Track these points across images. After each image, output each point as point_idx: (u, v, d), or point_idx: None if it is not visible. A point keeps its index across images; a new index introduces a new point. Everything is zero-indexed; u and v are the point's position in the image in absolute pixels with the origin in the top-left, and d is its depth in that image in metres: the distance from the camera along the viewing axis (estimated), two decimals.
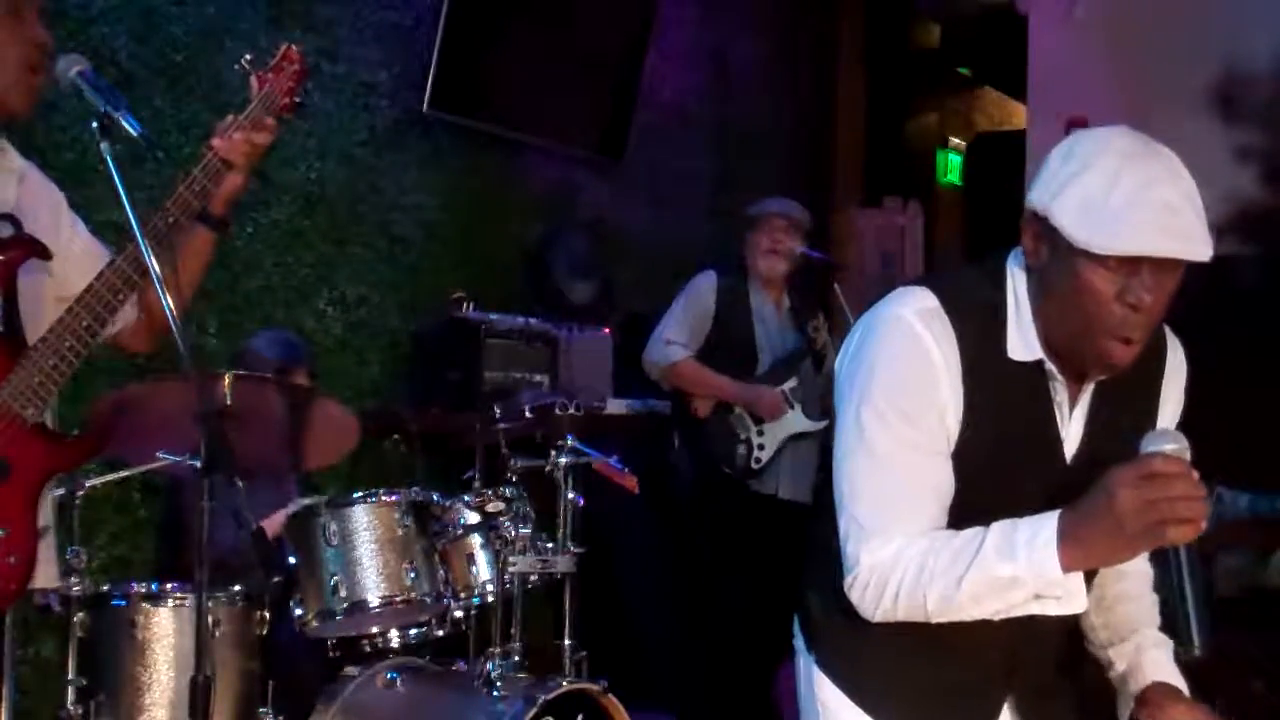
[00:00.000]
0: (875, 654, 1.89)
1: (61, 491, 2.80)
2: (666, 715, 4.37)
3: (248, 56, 2.50)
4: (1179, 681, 1.90)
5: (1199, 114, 5.62)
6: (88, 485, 2.91)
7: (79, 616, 2.85)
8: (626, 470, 3.66)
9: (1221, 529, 4.69)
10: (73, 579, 2.81)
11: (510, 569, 3.29)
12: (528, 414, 3.64)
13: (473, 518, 3.38)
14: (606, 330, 5.17)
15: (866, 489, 1.78)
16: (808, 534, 2.00)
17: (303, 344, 3.85)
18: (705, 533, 4.62)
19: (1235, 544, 4.74)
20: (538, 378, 4.77)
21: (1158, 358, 1.91)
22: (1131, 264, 1.67)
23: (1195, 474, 1.57)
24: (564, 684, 3.12)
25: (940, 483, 1.78)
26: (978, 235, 7.67)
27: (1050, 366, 1.80)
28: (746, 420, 4.58)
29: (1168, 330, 1.93)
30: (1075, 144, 1.73)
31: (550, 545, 3.42)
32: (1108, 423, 1.85)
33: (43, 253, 2.30)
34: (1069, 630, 1.97)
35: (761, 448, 4.56)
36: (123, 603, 2.90)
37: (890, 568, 1.74)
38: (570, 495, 3.45)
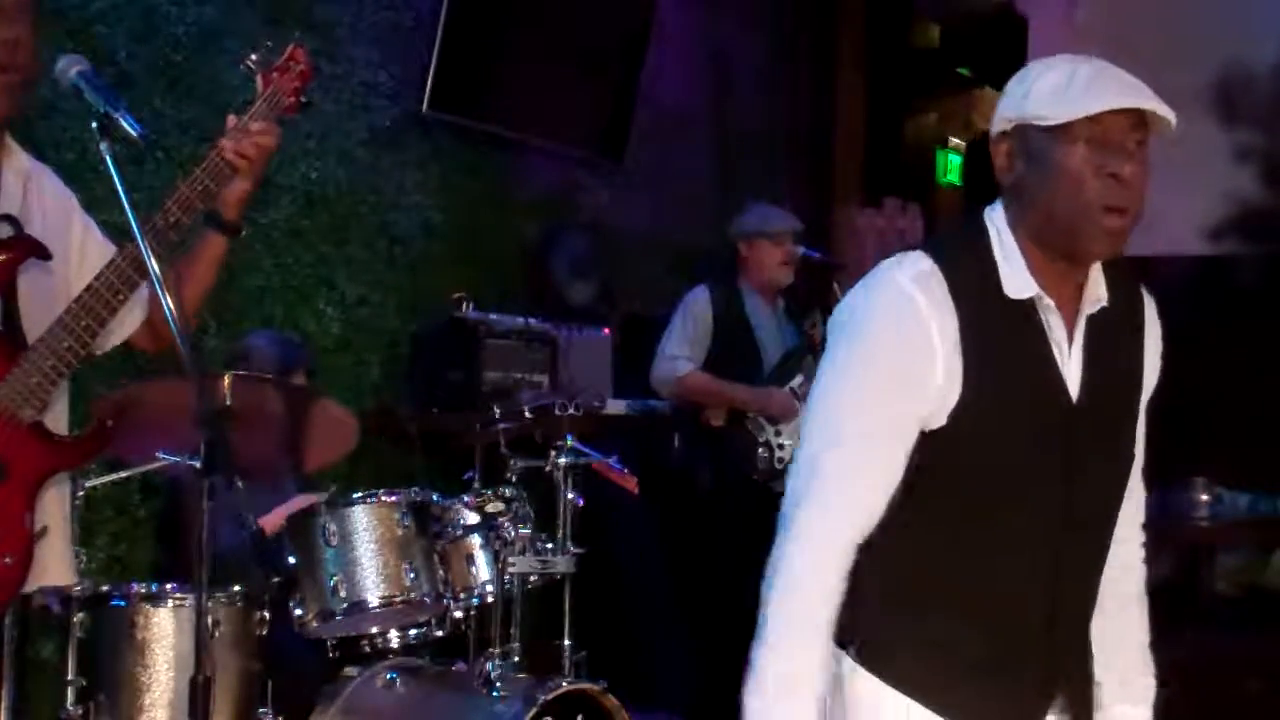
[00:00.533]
0: (916, 631, 1.88)
1: None
2: (667, 715, 4.37)
3: (254, 56, 2.49)
4: None
5: (1199, 114, 5.62)
6: (88, 485, 2.91)
7: (79, 616, 2.85)
8: (626, 470, 3.66)
9: (1221, 529, 4.69)
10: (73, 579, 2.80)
11: (510, 569, 3.29)
12: (527, 414, 3.64)
13: (472, 518, 3.38)
14: (606, 330, 5.17)
15: (823, 442, 1.82)
16: None
17: (301, 344, 3.84)
18: (726, 538, 4.58)
19: (1235, 544, 4.75)
20: (537, 378, 4.77)
21: (1139, 303, 1.95)
22: (1101, 132, 1.76)
23: None
24: (564, 684, 3.12)
25: (891, 464, 1.81)
26: None
27: (1046, 300, 1.83)
28: (762, 423, 4.58)
29: (1142, 285, 1.99)
30: (1025, 70, 1.86)
31: (550, 545, 3.42)
32: (1104, 359, 1.87)
33: (42, 253, 2.30)
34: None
35: (781, 447, 4.57)
36: (123, 603, 2.90)
37: (790, 576, 1.82)
38: (570, 495, 3.45)
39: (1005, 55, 6.73)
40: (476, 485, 3.54)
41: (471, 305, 4.63)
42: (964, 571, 1.84)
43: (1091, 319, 1.87)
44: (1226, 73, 5.76)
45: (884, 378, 1.79)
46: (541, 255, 5.31)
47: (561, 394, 4.46)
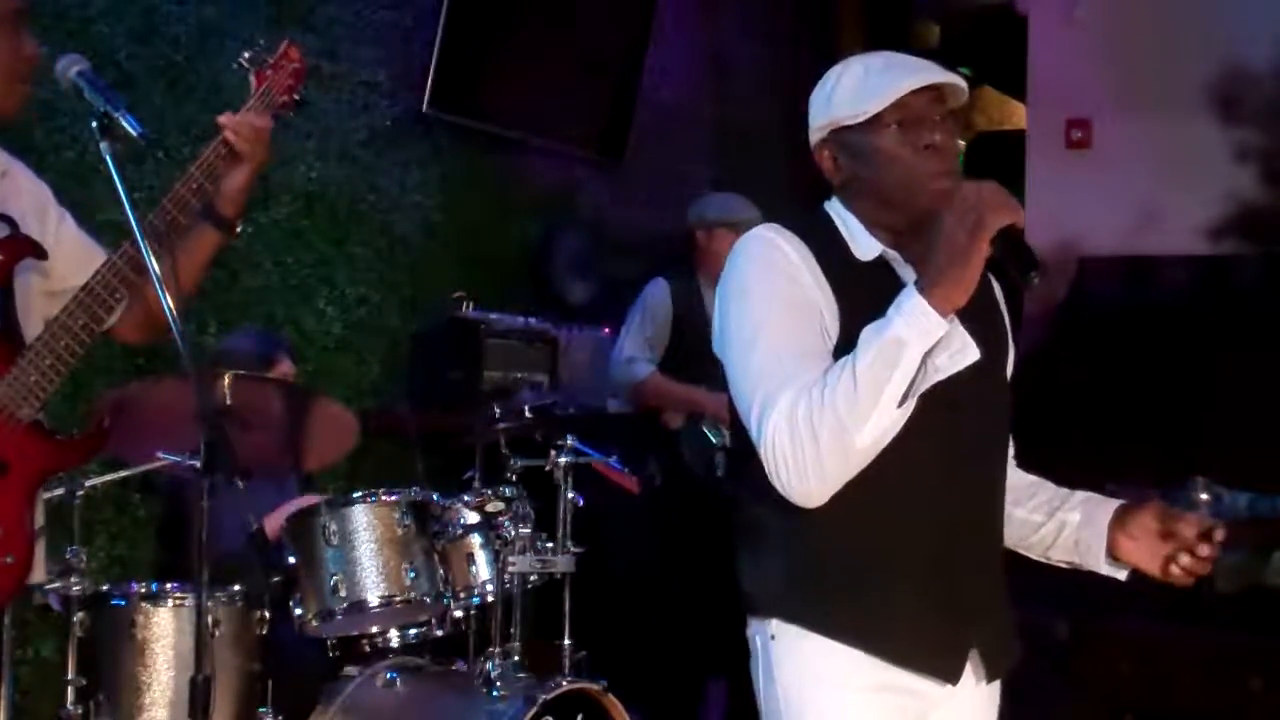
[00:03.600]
0: (836, 579, 1.91)
1: (61, 491, 2.80)
2: (666, 715, 4.36)
3: (246, 54, 2.49)
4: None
5: (1199, 114, 5.62)
6: (88, 485, 2.91)
7: (79, 616, 2.84)
8: (626, 470, 3.66)
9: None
10: (73, 579, 2.80)
11: (510, 569, 3.29)
12: (528, 414, 3.64)
13: (472, 518, 3.38)
14: (606, 330, 5.16)
15: (752, 366, 1.88)
16: (733, 521, 2.03)
17: (278, 336, 3.83)
18: (675, 536, 4.53)
19: (1235, 544, 4.74)
20: (538, 378, 4.76)
21: (988, 283, 2.07)
22: (906, 113, 1.90)
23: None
24: (564, 684, 3.12)
25: (817, 343, 1.88)
26: None
27: (894, 254, 1.97)
28: (720, 426, 4.50)
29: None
30: (824, 78, 2.02)
31: (550, 545, 3.41)
32: (968, 313, 1.94)
33: (39, 253, 2.30)
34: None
35: None
36: (123, 603, 2.90)
37: (790, 409, 1.80)
38: (570, 495, 3.45)
39: (1005, 55, 6.73)
40: (476, 485, 3.53)
41: (471, 305, 4.63)
42: (871, 508, 1.87)
43: None
44: (1226, 73, 5.76)
45: (778, 285, 1.89)
46: (541, 255, 5.30)
47: (561, 394, 4.46)
